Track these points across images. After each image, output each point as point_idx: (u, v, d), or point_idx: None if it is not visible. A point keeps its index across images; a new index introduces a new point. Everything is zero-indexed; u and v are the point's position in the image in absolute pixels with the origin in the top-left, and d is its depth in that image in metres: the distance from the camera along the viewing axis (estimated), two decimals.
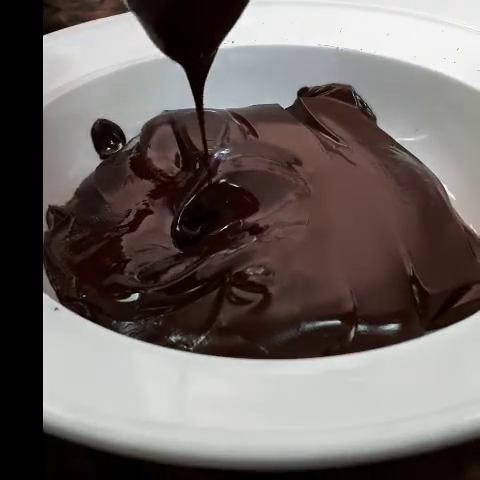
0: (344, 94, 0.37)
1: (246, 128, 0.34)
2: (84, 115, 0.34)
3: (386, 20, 0.37)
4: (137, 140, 0.35)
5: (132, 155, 0.34)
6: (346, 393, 0.18)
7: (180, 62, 0.26)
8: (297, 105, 0.36)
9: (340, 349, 0.22)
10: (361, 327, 0.23)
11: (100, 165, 0.34)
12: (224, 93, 0.37)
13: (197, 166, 0.31)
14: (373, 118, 0.37)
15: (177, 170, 0.32)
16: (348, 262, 0.25)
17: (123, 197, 0.30)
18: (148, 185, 0.31)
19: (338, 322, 0.23)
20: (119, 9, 0.50)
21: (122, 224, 0.29)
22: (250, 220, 0.27)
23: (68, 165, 0.33)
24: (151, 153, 0.33)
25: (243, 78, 0.37)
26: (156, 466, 0.19)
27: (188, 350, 0.23)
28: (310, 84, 0.37)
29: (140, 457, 0.16)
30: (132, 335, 0.23)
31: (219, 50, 0.37)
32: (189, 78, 0.26)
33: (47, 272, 0.26)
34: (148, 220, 0.29)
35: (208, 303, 0.24)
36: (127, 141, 0.36)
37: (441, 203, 0.29)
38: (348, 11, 0.38)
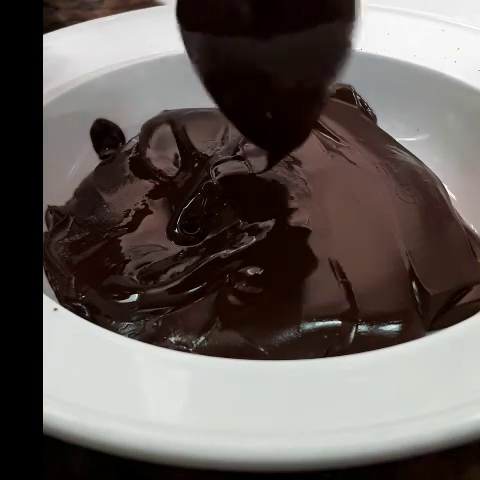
0: (344, 94, 0.37)
1: None
2: (83, 115, 0.34)
3: (386, 19, 0.37)
4: (136, 140, 0.35)
5: (131, 155, 0.33)
6: (346, 394, 0.18)
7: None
8: None
9: (340, 350, 0.22)
10: (361, 328, 0.23)
11: (99, 165, 0.34)
12: None
13: (196, 166, 0.31)
14: (373, 118, 0.37)
15: (176, 170, 0.32)
16: (348, 262, 0.25)
17: (122, 197, 0.30)
18: (147, 185, 0.31)
19: (338, 323, 0.23)
20: (118, 8, 0.50)
21: (121, 224, 0.29)
22: (249, 220, 0.27)
23: (67, 165, 0.33)
24: (150, 153, 0.33)
25: None
26: (156, 467, 0.19)
27: (188, 351, 0.22)
28: None
29: (140, 458, 0.16)
30: (131, 336, 0.23)
31: None
32: None
33: (46, 272, 0.26)
34: (147, 220, 0.29)
35: (208, 304, 0.24)
36: (126, 141, 0.36)
37: (442, 203, 0.29)
38: None
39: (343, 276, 0.24)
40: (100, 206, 0.30)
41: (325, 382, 0.18)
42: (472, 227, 0.29)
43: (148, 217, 0.29)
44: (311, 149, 0.32)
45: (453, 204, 0.30)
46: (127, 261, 0.27)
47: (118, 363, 0.19)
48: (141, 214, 0.29)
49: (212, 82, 0.24)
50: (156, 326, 0.24)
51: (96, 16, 0.46)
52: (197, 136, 0.33)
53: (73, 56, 0.35)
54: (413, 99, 0.35)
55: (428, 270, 0.25)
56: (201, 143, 0.32)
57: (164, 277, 0.26)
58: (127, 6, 0.50)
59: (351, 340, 0.23)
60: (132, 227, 0.29)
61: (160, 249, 0.27)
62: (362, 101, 0.37)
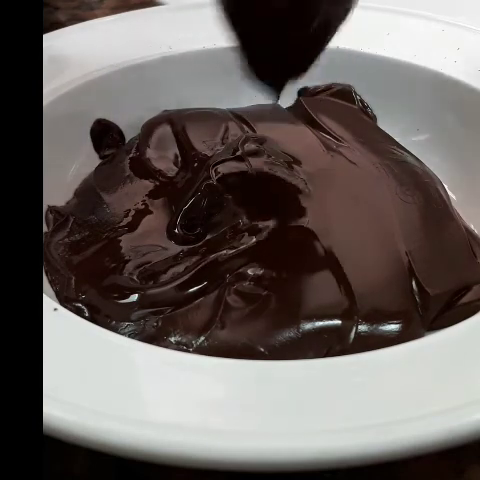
0: (344, 94, 0.37)
1: (246, 128, 0.34)
2: (83, 115, 0.34)
3: (386, 19, 0.37)
4: (136, 140, 0.35)
5: (131, 155, 0.33)
6: (346, 394, 0.18)
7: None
8: (297, 105, 0.36)
9: (340, 350, 0.22)
10: (361, 327, 0.23)
11: (99, 165, 0.34)
12: (224, 93, 0.37)
13: (196, 166, 0.31)
14: (373, 118, 0.37)
15: (176, 170, 0.32)
16: (348, 262, 0.25)
17: (122, 197, 0.30)
18: (147, 185, 0.31)
19: (338, 322, 0.23)
20: (118, 8, 0.50)
21: (121, 224, 0.29)
22: (249, 220, 0.27)
23: (67, 165, 0.33)
24: (150, 153, 0.33)
25: (243, 78, 0.37)
26: (156, 467, 0.19)
27: (188, 351, 0.22)
28: (310, 84, 0.37)
29: (140, 458, 0.16)
30: (131, 336, 0.23)
31: (219, 50, 0.37)
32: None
33: (46, 272, 0.26)
34: (147, 220, 0.29)
35: (208, 304, 0.24)
36: (126, 141, 0.36)
37: (442, 203, 0.29)
38: None
39: (343, 276, 0.24)
40: (100, 206, 0.30)
41: (325, 382, 0.18)
42: (472, 227, 0.29)
43: (148, 217, 0.29)
44: (311, 149, 0.32)
45: (453, 204, 0.30)
46: (127, 261, 0.27)
47: (118, 363, 0.19)
48: (141, 214, 0.29)
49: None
50: (156, 326, 0.24)
51: (96, 16, 0.46)
52: (197, 136, 0.33)
53: (73, 56, 0.35)
54: (413, 99, 0.35)
55: (428, 270, 0.25)
56: (201, 143, 0.32)
57: (164, 277, 0.26)
58: (127, 6, 0.50)
59: (351, 340, 0.23)
60: (132, 227, 0.29)
61: (160, 249, 0.27)
62: (362, 101, 0.37)
